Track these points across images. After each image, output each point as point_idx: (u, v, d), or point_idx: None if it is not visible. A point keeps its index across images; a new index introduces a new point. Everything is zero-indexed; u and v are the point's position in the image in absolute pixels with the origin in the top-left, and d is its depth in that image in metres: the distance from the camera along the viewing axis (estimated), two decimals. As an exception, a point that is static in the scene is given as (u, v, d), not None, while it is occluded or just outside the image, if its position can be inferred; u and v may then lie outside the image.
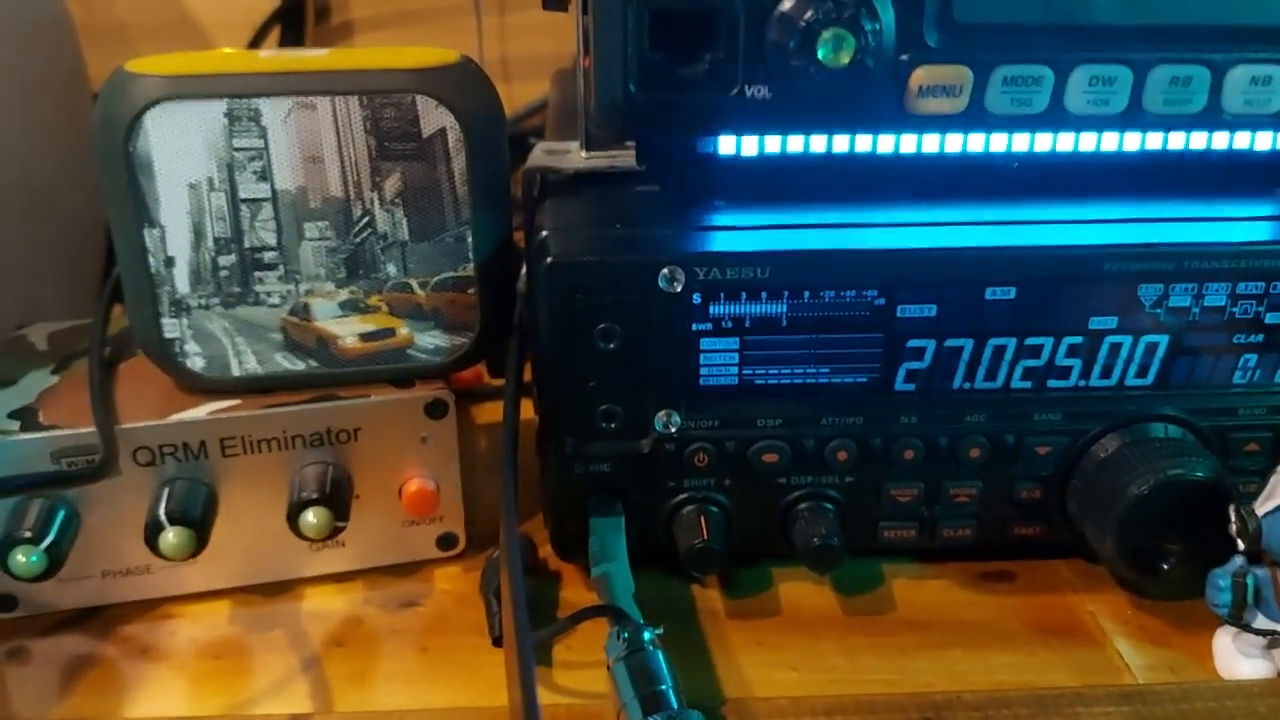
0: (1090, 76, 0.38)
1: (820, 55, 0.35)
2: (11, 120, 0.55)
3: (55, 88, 0.61)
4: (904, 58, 0.37)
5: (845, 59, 0.35)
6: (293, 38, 0.81)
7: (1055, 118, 0.38)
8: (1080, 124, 0.39)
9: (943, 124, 0.39)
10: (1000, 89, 0.38)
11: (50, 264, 0.58)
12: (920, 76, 0.38)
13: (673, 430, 0.41)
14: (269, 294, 0.41)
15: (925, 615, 0.42)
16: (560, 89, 0.64)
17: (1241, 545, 0.38)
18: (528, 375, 0.44)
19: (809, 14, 0.35)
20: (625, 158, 0.44)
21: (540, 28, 0.66)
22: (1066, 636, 0.41)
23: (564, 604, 0.43)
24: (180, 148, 0.38)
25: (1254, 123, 0.40)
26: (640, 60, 0.36)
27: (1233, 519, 0.38)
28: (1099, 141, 0.41)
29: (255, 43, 0.80)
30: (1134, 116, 0.39)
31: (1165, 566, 0.40)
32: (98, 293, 0.47)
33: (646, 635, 0.36)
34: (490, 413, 0.56)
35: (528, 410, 0.43)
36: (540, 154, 0.45)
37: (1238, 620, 0.38)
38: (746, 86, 0.37)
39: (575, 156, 0.44)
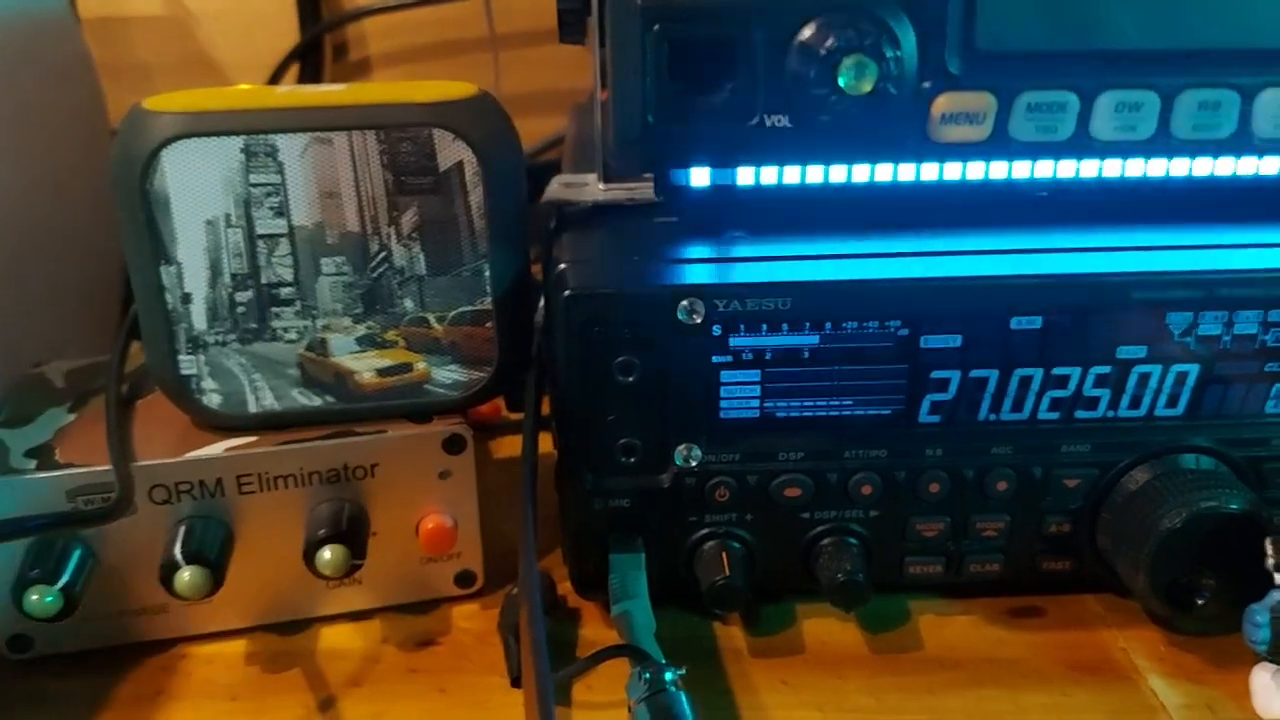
0: (1117, 102, 0.37)
1: (842, 83, 0.35)
2: (32, 158, 0.56)
3: (75, 126, 0.62)
4: (926, 85, 0.37)
5: (867, 86, 0.35)
6: (311, 74, 0.81)
7: (1081, 144, 0.38)
8: (1107, 150, 0.38)
9: (966, 152, 0.38)
10: (1025, 116, 0.37)
11: (71, 301, 0.58)
12: (943, 104, 0.37)
13: (693, 464, 0.40)
14: (286, 330, 0.41)
15: (953, 653, 0.41)
16: (578, 123, 0.64)
17: (1278, 580, 0.37)
18: (547, 408, 0.44)
19: (830, 41, 0.35)
20: (643, 189, 0.43)
21: (558, 62, 0.66)
22: (1099, 674, 0.40)
23: (583, 641, 0.42)
24: (197, 184, 0.38)
25: (1285, 147, 0.39)
26: (659, 91, 0.36)
27: (1269, 553, 0.37)
28: (1124, 167, 0.40)
29: (274, 79, 0.80)
30: (1162, 142, 0.38)
31: (1200, 602, 0.39)
32: (117, 329, 0.47)
33: (668, 676, 0.35)
34: (509, 446, 0.56)
35: (547, 444, 0.42)
36: (557, 186, 0.45)
37: (1276, 657, 0.37)
38: (766, 116, 0.37)
39: (593, 189, 0.44)
